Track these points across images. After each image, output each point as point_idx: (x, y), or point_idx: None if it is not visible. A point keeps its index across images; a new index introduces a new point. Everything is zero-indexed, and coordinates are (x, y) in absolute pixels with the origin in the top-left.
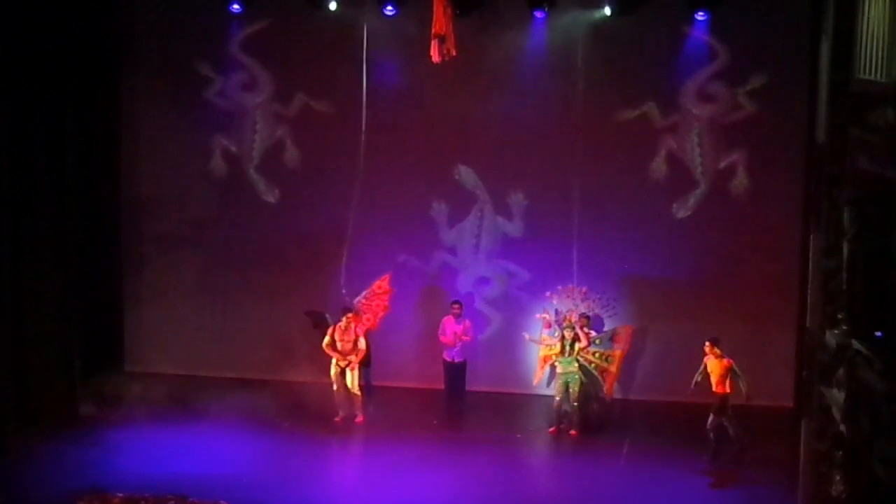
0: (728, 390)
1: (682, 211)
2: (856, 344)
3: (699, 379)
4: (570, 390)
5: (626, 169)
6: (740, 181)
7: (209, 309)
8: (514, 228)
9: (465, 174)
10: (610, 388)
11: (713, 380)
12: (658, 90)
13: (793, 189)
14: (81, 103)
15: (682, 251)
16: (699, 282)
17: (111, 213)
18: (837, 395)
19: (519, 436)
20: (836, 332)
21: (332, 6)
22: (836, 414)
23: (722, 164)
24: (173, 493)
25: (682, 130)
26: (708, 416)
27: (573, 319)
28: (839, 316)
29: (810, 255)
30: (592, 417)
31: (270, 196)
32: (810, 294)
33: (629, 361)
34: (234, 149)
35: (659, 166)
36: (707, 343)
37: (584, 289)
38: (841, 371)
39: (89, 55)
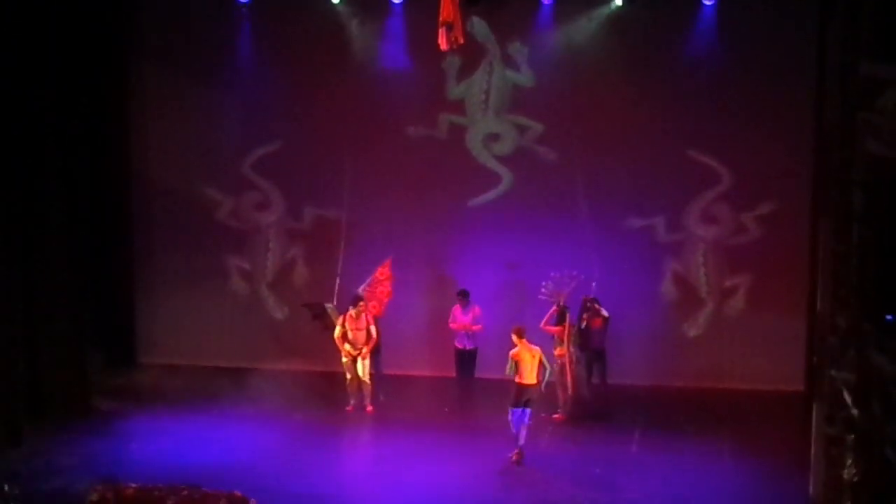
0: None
1: None
2: (866, 327)
3: (512, 374)
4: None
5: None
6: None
7: (221, 300)
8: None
9: (479, 25)
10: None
11: (530, 369)
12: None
13: (801, 175)
14: (92, 95)
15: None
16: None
17: (123, 204)
18: (848, 379)
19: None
20: (846, 315)
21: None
22: (848, 397)
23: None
24: (186, 483)
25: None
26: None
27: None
28: (849, 299)
29: (820, 238)
30: (585, 402)
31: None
32: (820, 277)
33: (628, 345)
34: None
35: None
36: (515, 333)
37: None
38: (851, 354)
39: (98, 45)
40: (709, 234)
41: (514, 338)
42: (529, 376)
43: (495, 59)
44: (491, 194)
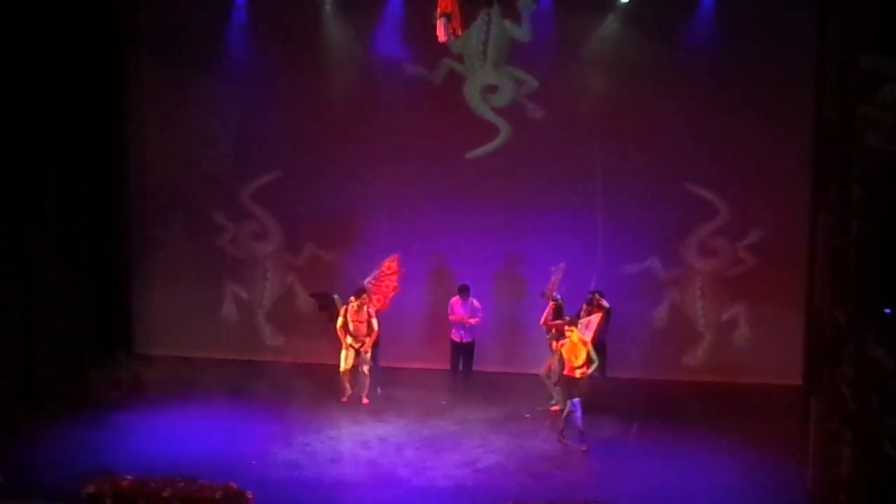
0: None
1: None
2: (865, 321)
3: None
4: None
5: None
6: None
7: (218, 291)
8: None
9: None
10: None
11: (570, 364)
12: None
13: (802, 165)
14: (90, 90)
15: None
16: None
17: (121, 196)
18: (847, 373)
19: (528, 416)
20: (845, 309)
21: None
22: (846, 392)
23: None
24: (182, 475)
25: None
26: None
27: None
28: (848, 293)
29: (818, 232)
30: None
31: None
32: (819, 272)
33: (623, 339)
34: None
35: None
36: (566, 326)
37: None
38: (850, 349)
39: (94, 33)
40: (705, 267)
41: (569, 329)
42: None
43: (494, 10)
44: (490, 146)
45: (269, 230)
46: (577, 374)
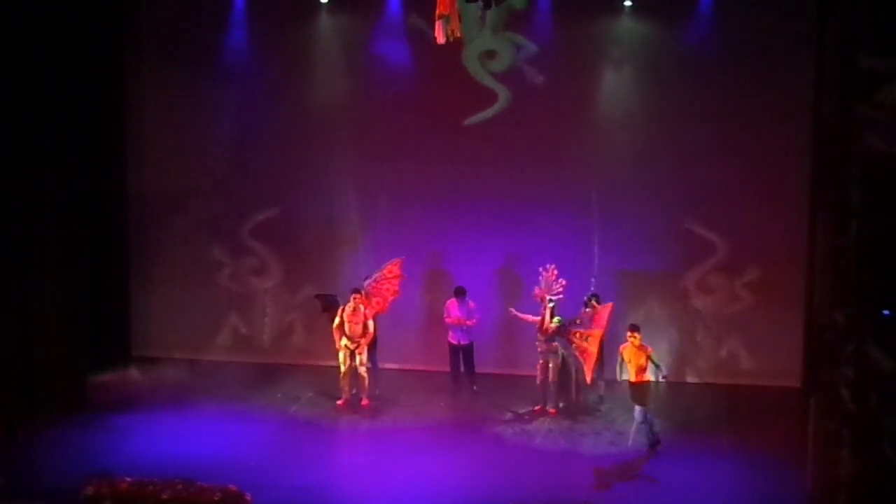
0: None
1: None
2: (864, 322)
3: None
4: (550, 368)
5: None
6: None
7: (216, 293)
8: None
9: None
10: (590, 371)
11: (632, 369)
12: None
13: (799, 164)
14: (87, 88)
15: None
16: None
17: (119, 196)
18: (846, 374)
19: (526, 416)
20: (844, 310)
21: None
22: (845, 393)
23: None
24: (181, 477)
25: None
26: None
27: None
28: (847, 294)
29: (818, 233)
30: (572, 397)
31: None
32: (818, 273)
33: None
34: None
35: None
36: (628, 331)
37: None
38: (849, 350)
39: (93, 35)
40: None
41: (631, 335)
42: (640, 374)
43: None
44: (488, 112)
45: (266, 264)
46: (646, 377)
